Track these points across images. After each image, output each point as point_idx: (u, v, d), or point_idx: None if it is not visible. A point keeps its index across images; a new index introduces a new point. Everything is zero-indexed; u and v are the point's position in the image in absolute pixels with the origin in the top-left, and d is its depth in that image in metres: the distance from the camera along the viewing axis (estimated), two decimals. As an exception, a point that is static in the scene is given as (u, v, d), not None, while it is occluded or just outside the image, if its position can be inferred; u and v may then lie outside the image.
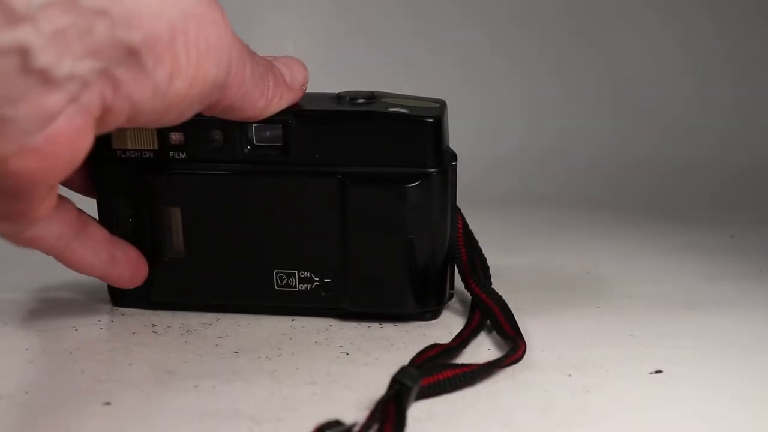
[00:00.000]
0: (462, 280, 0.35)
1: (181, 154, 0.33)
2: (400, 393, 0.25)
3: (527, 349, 0.31)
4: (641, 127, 0.77)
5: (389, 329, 0.34)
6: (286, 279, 0.34)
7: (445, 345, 0.31)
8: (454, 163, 0.33)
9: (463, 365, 0.29)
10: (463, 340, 0.32)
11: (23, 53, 0.21)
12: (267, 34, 0.77)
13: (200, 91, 0.26)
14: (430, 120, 0.32)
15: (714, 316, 0.36)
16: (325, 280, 0.34)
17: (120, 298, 0.36)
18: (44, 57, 0.21)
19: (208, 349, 0.32)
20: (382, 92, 0.35)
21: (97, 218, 0.34)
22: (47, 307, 0.36)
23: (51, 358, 0.31)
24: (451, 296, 0.36)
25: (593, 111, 0.78)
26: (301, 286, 0.34)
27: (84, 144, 0.24)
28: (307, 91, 0.33)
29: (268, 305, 0.35)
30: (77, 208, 0.31)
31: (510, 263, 0.43)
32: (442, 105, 0.34)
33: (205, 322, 0.35)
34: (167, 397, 0.27)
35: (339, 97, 0.34)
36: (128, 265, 0.33)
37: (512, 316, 0.33)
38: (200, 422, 0.26)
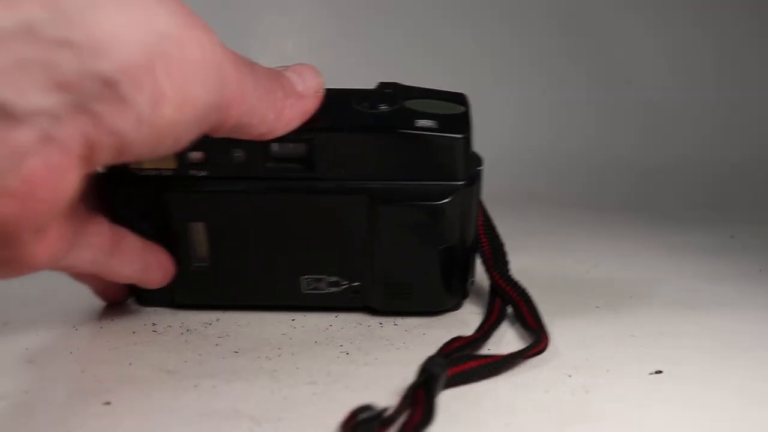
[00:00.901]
0: (485, 271, 0.36)
1: (201, 172, 0.32)
2: (429, 381, 0.26)
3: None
4: (642, 128, 0.77)
5: (389, 329, 0.34)
6: (314, 284, 0.34)
7: (468, 337, 0.31)
8: (479, 167, 0.34)
9: (487, 356, 0.29)
10: (485, 332, 0.32)
11: None
12: (267, 34, 0.77)
13: (194, 116, 0.25)
14: (459, 137, 0.32)
15: (714, 316, 0.36)
16: (354, 284, 0.34)
17: (145, 298, 0.36)
18: (2, 91, 0.20)
19: (208, 348, 0.32)
20: (402, 88, 0.34)
21: None
22: (47, 306, 0.36)
23: (51, 357, 0.31)
24: (472, 283, 0.37)
25: (593, 111, 0.78)
26: (330, 289, 0.34)
27: (68, 184, 0.23)
28: (345, 84, 0.33)
29: (296, 305, 0.35)
30: (111, 224, 0.30)
31: (510, 263, 0.43)
32: (465, 104, 0.34)
33: (205, 322, 0.34)
34: (167, 397, 0.27)
35: (359, 101, 0.33)
36: (160, 270, 0.33)
37: (536, 308, 0.34)
38: (200, 422, 0.26)
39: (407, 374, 0.29)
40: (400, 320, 0.35)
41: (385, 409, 0.24)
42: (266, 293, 0.35)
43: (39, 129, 0.21)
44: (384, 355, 0.31)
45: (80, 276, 0.34)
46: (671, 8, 0.80)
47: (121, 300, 0.36)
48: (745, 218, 0.58)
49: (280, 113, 0.29)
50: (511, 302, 0.35)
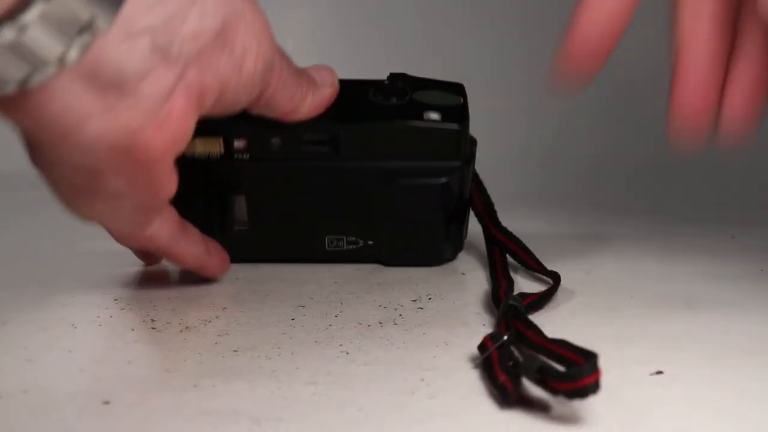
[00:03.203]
0: (480, 224, 0.43)
1: (245, 156, 0.38)
2: (517, 309, 0.32)
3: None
4: (642, 127, 0.77)
5: (389, 329, 0.34)
6: (335, 242, 0.41)
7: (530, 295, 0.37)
8: (474, 147, 0.41)
9: (536, 293, 0.37)
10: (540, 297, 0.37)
11: (152, 34, 0.26)
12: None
13: (262, 68, 0.32)
14: (459, 127, 0.39)
15: (715, 316, 0.36)
16: (369, 242, 0.41)
17: None
18: (162, 37, 0.27)
19: (208, 347, 0.32)
20: (410, 79, 0.40)
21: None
22: (46, 305, 0.36)
23: (50, 356, 0.31)
24: (465, 236, 0.44)
25: (593, 110, 0.78)
26: (349, 247, 0.41)
27: (191, 122, 0.30)
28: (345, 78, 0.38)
29: (320, 260, 0.42)
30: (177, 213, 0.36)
31: (509, 264, 0.43)
32: (464, 94, 0.41)
33: (205, 319, 0.34)
34: (166, 396, 0.27)
35: (375, 94, 0.39)
36: (219, 255, 0.39)
37: (531, 252, 0.42)
38: (199, 422, 0.25)
39: (407, 374, 0.29)
40: (400, 320, 0.35)
41: (504, 334, 0.30)
42: (296, 250, 0.42)
43: (178, 71, 0.28)
44: (384, 355, 0.31)
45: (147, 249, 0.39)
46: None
47: (153, 263, 0.42)
48: (746, 218, 0.58)
49: (304, 97, 0.36)
50: (508, 250, 0.42)
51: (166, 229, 0.35)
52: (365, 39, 0.79)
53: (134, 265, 0.42)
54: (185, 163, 0.36)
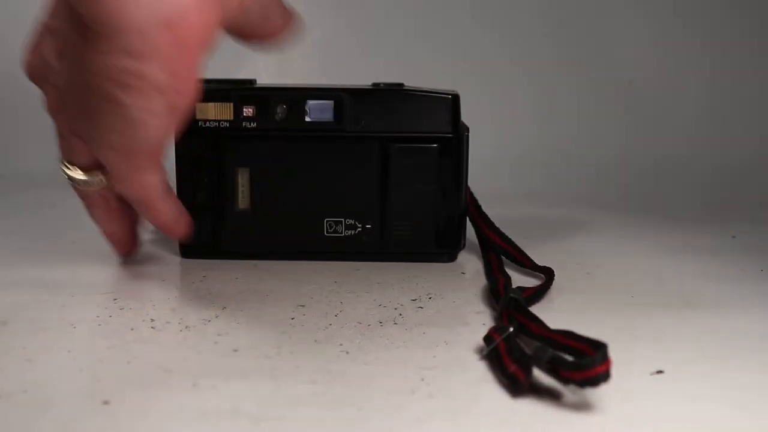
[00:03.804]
0: (475, 229, 0.44)
1: (252, 124, 0.41)
2: (518, 301, 0.33)
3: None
4: (644, 127, 0.77)
5: (389, 328, 0.34)
6: (334, 226, 0.42)
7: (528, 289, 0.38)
8: (467, 133, 0.42)
9: (533, 287, 0.38)
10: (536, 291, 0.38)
11: None
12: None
13: None
14: (450, 96, 0.42)
15: (715, 316, 0.36)
16: (366, 226, 0.42)
17: (190, 251, 0.43)
18: None
19: (207, 346, 0.32)
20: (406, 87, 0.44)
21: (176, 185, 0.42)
22: (45, 305, 0.36)
23: (49, 357, 0.31)
24: (463, 245, 0.44)
25: (595, 111, 0.78)
26: (347, 232, 0.42)
27: (217, 18, 0.32)
28: (343, 83, 0.42)
29: (319, 251, 0.43)
30: None
31: (509, 264, 0.43)
32: (456, 93, 0.43)
33: (204, 319, 0.34)
34: (166, 396, 0.27)
35: (374, 85, 0.42)
36: (183, 220, 0.40)
37: (523, 251, 0.43)
38: (199, 421, 0.25)
39: (407, 374, 0.29)
40: (400, 319, 0.35)
41: (509, 326, 0.31)
42: (295, 235, 0.43)
43: None
44: (384, 354, 0.31)
45: (124, 215, 0.40)
46: (671, 7, 0.80)
47: (132, 253, 0.43)
48: (746, 218, 0.58)
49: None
50: (501, 250, 0.43)
51: (159, 181, 0.37)
52: (363, 41, 0.79)
53: (134, 265, 0.42)
54: (197, 133, 0.41)
